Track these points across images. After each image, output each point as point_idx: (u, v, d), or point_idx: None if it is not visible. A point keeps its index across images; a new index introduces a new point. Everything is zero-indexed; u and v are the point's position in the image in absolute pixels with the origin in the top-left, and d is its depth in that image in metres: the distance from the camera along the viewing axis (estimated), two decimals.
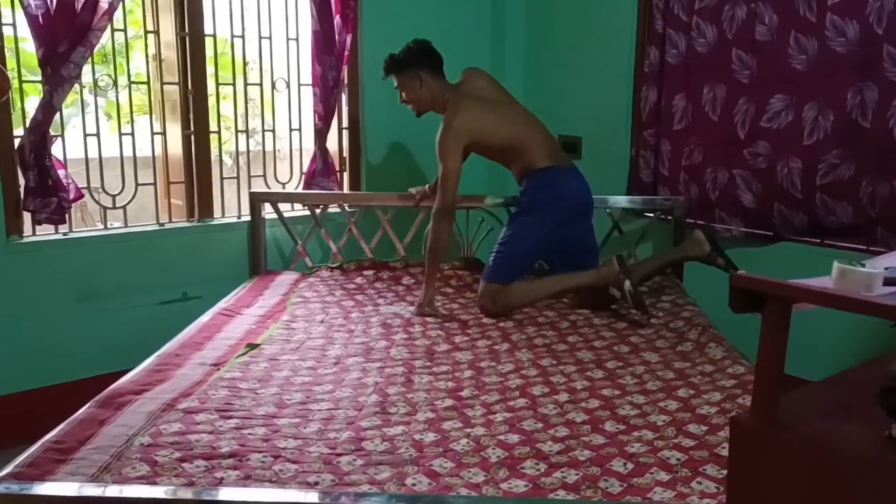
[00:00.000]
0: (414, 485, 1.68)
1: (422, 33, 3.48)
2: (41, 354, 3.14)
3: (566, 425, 2.00)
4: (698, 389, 2.24)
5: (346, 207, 3.75)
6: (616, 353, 2.58)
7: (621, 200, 3.66)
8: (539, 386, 2.27)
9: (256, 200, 3.53)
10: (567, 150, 4.06)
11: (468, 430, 1.96)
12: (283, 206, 3.65)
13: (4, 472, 1.66)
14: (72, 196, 3.09)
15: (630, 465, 1.78)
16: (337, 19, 3.69)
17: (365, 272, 3.51)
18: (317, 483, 1.67)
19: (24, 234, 3.12)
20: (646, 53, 3.63)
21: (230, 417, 2.00)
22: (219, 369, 2.37)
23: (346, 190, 3.95)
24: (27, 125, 2.99)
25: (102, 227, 3.37)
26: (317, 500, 1.55)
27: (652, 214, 3.70)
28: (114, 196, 3.34)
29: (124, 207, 3.37)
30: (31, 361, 3.12)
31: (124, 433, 1.89)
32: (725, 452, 1.81)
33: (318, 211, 3.63)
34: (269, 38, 3.68)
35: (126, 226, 3.39)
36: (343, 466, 1.75)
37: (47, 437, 1.85)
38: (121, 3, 3.09)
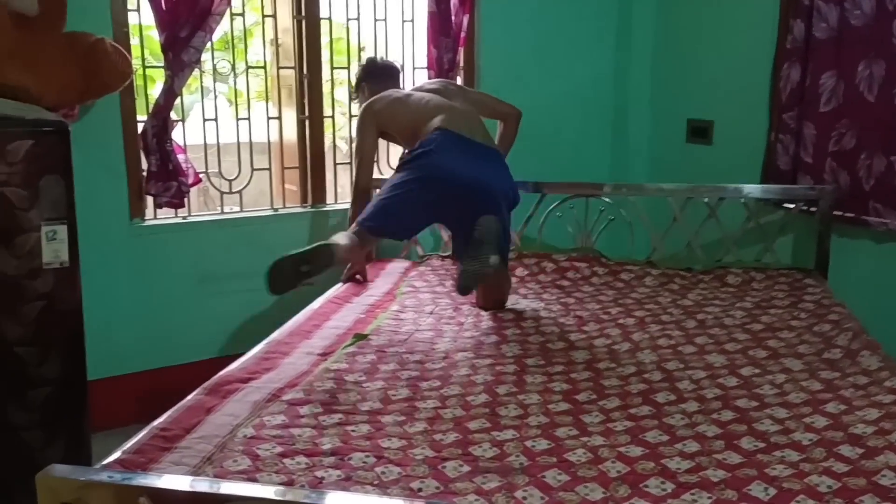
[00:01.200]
0: (524, 498, 1.54)
1: (542, 12, 3.34)
2: (163, 335, 3.22)
3: (696, 439, 1.79)
4: (850, 405, 1.96)
5: None
6: (752, 358, 2.33)
7: (756, 190, 3.35)
8: (664, 392, 2.06)
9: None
10: (696, 135, 3.81)
11: (585, 440, 1.79)
12: None
13: (111, 458, 1.65)
14: (190, 181, 3.14)
15: (772, 491, 1.56)
16: (454, 0, 3.58)
17: None
18: (420, 490, 1.56)
19: (146, 217, 3.20)
20: (789, 28, 3.30)
21: (334, 412, 1.93)
22: (326, 359, 2.32)
23: None
24: (150, 111, 3.05)
25: (219, 211, 3.43)
26: None
27: (792, 206, 3.35)
28: (230, 181, 3.39)
29: (240, 192, 3.40)
30: (154, 341, 3.21)
31: (229, 423, 1.86)
32: (886, 481, 1.57)
33: None
34: (385, 20, 3.63)
35: (242, 210, 3.42)
36: (448, 472, 1.63)
37: (155, 423, 1.84)
38: None
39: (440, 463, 1.67)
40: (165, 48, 2.99)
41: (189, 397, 2.01)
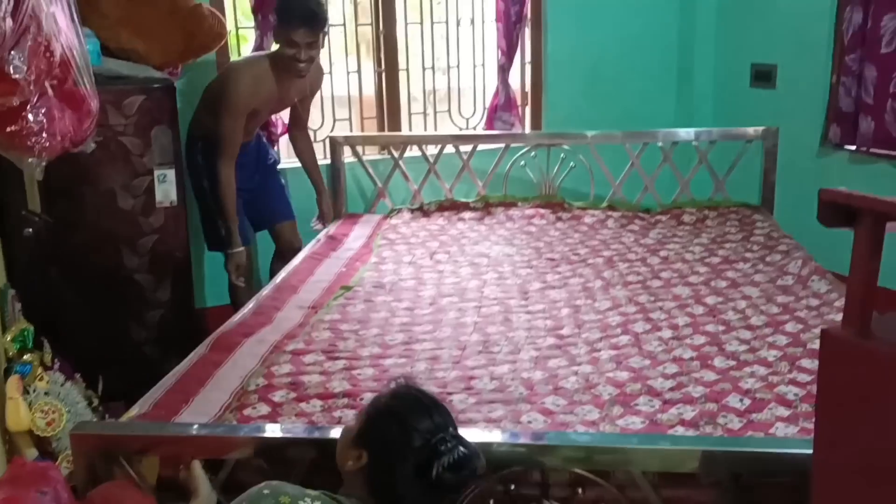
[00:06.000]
0: (529, 422, 1.69)
1: None
2: (264, 271, 3.40)
3: (674, 362, 1.97)
4: (806, 324, 2.18)
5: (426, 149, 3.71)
6: (714, 288, 2.52)
7: (706, 133, 3.54)
8: (640, 323, 2.24)
9: (336, 144, 3.53)
10: (760, 79, 3.91)
11: (575, 368, 1.95)
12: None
13: (133, 413, 1.73)
14: (279, 130, 3.38)
15: (747, 401, 1.75)
16: None
17: (446, 212, 3.49)
18: None
19: None
20: None
21: (337, 359, 2.03)
22: (317, 311, 2.41)
23: (528, 125, 3.98)
24: None
25: None
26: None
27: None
28: (315, 130, 3.54)
29: (324, 141, 3.57)
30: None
31: (239, 374, 1.95)
32: None
33: (395, 153, 3.60)
34: None
35: (325, 157, 3.54)
36: (457, 405, 1.76)
37: (166, 379, 1.92)
38: None
39: (447, 397, 1.79)
40: (255, 10, 3.21)
41: (193, 354, 2.09)
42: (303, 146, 3.29)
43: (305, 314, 2.40)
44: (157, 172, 2.65)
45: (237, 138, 2.87)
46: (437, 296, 2.52)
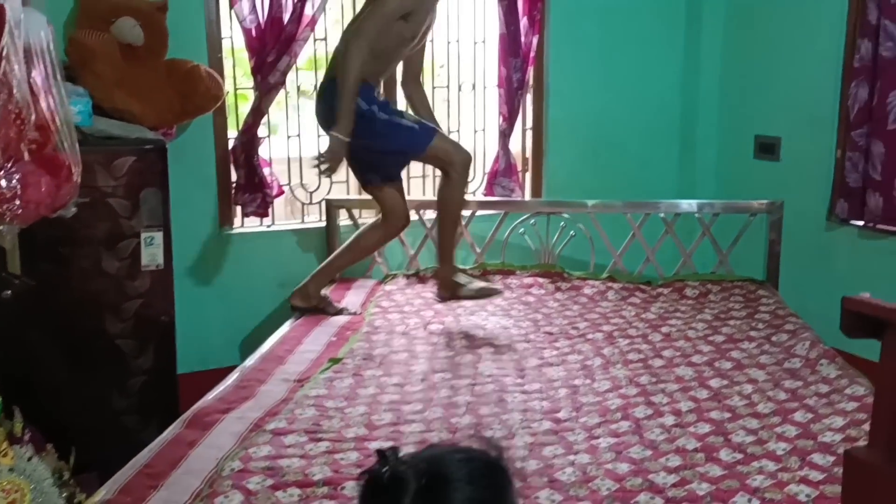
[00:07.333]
0: None
1: (610, 31, 3.37)
2: (245, 334, 3.41)
3: (677, 453, 1.86)
4: (816, 413, 2.06)
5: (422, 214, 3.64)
6: (718, 369, 2.41)
7: (711, 205, 3.47)
8: (641, 407, 2.12)
9: (332, 207, 3.47)
10: (764, 151, 3.87)
11: (571, 458, 1.84)
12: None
13: (98, 497, 1.62)
14: (274, 192, 3.38)
15: (756, 502, 1.63)
16: (524, 21, 3.67)
17: None
18: None
19: (233, 226, 3.44)
20: (856, 47, 3.29)
21: (320, 440, 1.92)
22: (303, 385, 2.30)
23: (528, 191, 3.93)
24: (239, 128, 3.28)
25: (300, 221, 3.61)
26: None
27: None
28: (311, 192, 3.56)
29: (319, 203, 3.56)
30: (237, 340, 3.39)
31: (214, 456, 1.84)
32: None
33: None
34: (458, 41, 3.75)
35: (321, 220, 3.55)
36: None
37: (138, 458, 1.81)
38: (322, 14, 3.29)
39: None
40: (254, 71, 3.24)
41: (168, 430, 1.98)
42: (419, 99, 3.12)
43: (290, 388, 2.29)
44: (144, 235, 2.61)
45: (379, 29, 2.68)
46: (430, 371, 2.42)
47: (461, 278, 2.99)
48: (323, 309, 3.01)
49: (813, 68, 3.60)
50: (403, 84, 3.12)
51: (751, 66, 3.91)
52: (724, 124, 4.09)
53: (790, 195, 3.48)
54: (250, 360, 2.50)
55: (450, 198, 2.94)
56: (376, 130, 2.78)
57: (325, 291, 3.11)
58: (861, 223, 3.41)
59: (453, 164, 2.87)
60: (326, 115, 2.81)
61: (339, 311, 3.01)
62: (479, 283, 3.01)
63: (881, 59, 3.24)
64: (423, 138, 2.83)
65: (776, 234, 3.37)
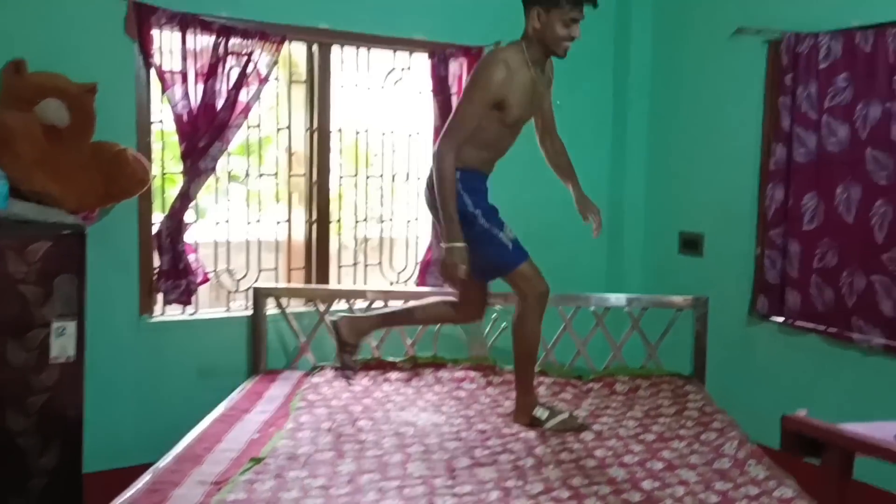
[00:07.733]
0: None
1: None
2: (162, 429, 2.98)
3: None
4: None
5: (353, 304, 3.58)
6: (650, 470, 2.39)
7: (641, 300, 3.53)
8: None
9: (259, 295, 3.37)
10: (688, 247, 4.01)
11: None
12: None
13: None
14: (199, 280, 3.28)
15: None
16: None
17: (371, 372, 3.32)
18: None
19: (154, 314, 3.32)
20: (772, 151, 3.47)
21: None
22: (221, 488, 2.16)
23: None
24: (166, 212, 3.20)
25: (226, 308, 3.52)
26: None
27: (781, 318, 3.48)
28: (238, 280, 3.52)
29: (246, 291, 3.48)
30: (153, 435, 3.00)
31: None
32: None
33: (322, 306, 3.46)
34: (392, 132, 3.83)
35: (248, 308, 3.46)
36: None
37: None
38: (257, 102, 3.31)
39: None
40: (184, 156, 3.19)
41: None
42: (557, 152, 3.03)
43: (207, 491, 2.14)
44: (55, 325, 2.52)
45: (469, 124, 2.62)
46: (357, 472, 2.31)
47: (538, 411, 2.77)
48: (350, 352, 2.93)
49: (733, 169, 3.78)
50: (540, 141, 3.04)
51: (674, 165, 4.10)
52: (650, 219, 4.23)
53: (714, 290, 3.59)
54: (164, 461, 2.34)
55: (528, 331, 2.79)
56: (474, 234, 2.71)
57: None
58: (781, 319, 3.52)
59: (533, 294, 2.76)
60: (434, 204, 2.74)
61: (353, 369, 2.97)
62: (561, 417, 2.77)
63: (794, 163, 3.42)
64: (513, 259, 2.76)
65: (702, 328, 3.45)
